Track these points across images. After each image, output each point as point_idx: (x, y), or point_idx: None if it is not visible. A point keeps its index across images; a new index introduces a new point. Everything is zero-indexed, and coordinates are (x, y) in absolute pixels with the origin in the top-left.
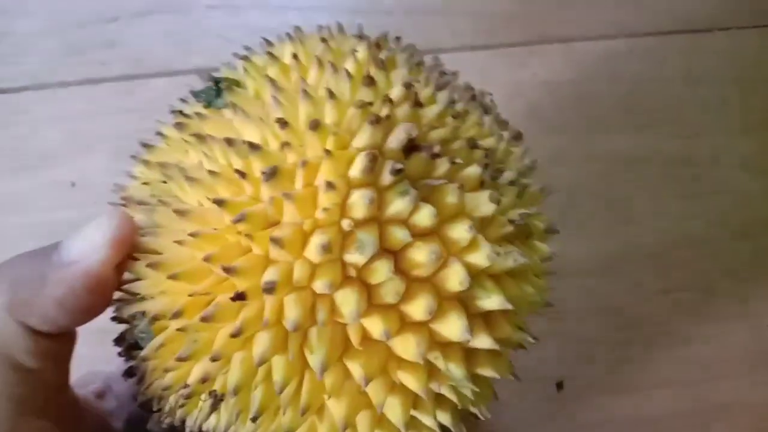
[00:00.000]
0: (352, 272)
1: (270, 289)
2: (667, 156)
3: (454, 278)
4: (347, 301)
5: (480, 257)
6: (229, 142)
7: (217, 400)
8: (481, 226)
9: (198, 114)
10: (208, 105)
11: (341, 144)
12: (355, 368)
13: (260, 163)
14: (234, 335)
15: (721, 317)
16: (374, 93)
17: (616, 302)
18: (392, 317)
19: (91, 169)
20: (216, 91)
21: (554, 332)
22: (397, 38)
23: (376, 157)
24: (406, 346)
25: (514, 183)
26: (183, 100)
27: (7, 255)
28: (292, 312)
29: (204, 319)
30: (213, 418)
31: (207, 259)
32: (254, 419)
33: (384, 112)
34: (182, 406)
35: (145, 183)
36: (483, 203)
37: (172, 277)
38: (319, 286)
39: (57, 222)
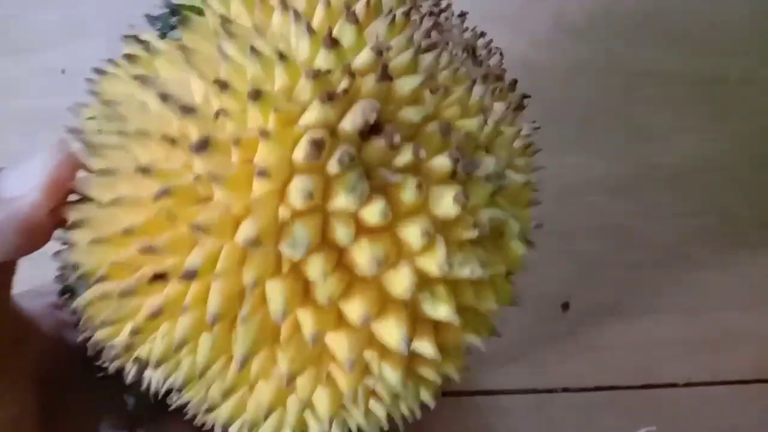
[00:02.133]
0: (286, 266)
1: (190, 275)
2: (693, 75)
3: (400, 284)
4: (274, 296)
5: (433, 264)
6: (164, 97)
7: (141, 367)
8: (443, 227)
9: (149, 46)
10: (163, 36)
11: (286, 120)
12: (283, 361)
13: (195, 129)
14: (153, 315)
15: (738, 244)
16: (336, 57)
17: (629, 223)
18: (326, 316)
19: (82, 55)
20: (171, 21)
21: (562, 251)
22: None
23: (322, 142)
24: (339, 347)
25: (491, 178)
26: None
27: None
28: (212, 303)
29: (122, 294)
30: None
31: (126, 231)
32: (179, 390)
33: (343, 84)
34: (114, 359)
35: (91, 118)
36: (446, 203)
37: (95, 241)
38: (246, 277)
39: (45, 109)
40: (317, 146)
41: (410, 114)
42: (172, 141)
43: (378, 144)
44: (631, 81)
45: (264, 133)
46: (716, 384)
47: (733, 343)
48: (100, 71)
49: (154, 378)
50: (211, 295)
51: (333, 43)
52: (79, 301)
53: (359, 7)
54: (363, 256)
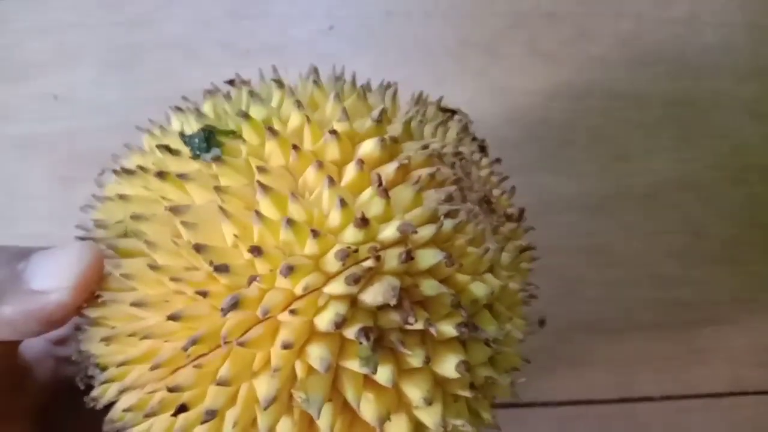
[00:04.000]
0: (296, 412)
1: (211, 414)
2: (666, 96)
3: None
4: None
5: (429, 420)
6: (198, 248)
7: None
8: (442, 384)
9: (180, 167)
10: (197, 157)
11: (313, 292)
12: None
13: (225, 285)
14: None
15: (711, 261)
16: (365, 235)
17: (605, 241)
18: None
19: (74, 82)
20: (206, 142)
21: (539, 268)
22: (420, 121)
23: (344, 319)
24: None
25: (490, 343)
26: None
27: None
28: None
29: (146, 414)
30: None
31: (154, 367)
32: None
33: (368, 263)
34: None
35: (118, 222)
36: (448, 368)
37: (121, 363)
38: (262, 424)
39: (37, 134)
40: (339, 323)
41: (427, 289)
42: (204, 294)
43: (394, 317)
44: (606, 103)
45: (292, 310)
46: (691, 397)
47: (707, 358)
48: (127, 171)
49: None
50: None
51: (364, 223)
52: (97, 399)
53: (387, 174)
54: (368, 409)
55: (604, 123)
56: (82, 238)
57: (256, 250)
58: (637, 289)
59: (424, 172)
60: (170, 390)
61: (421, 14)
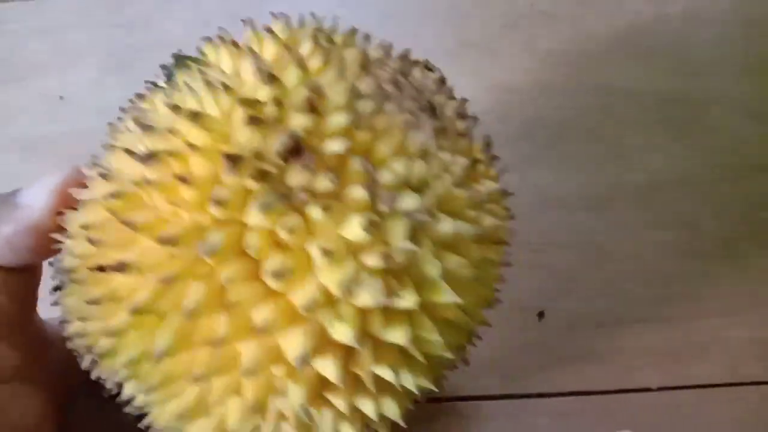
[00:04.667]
0: (204, 267)
1: (122, 267)
2: (662, 94)
3: (303, 298)
4: (192, 294)
5: (334, 283)
6: (137, 120)
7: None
8: (352, 251)
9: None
10: (167, 81)
11: (218, 139)
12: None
13: (149, 143)
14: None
15: (706, 256)
16: (271, 92)
17: (601, 237)
18: (237, 320)
19: (75, 83)
20: (173, 67)
21: (537, 264)
22: (367, 36)
23: (239, 158)
24: (246, 353)
25: (410, 215)
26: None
27: None
28: (140, 297)
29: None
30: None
31: (83, 226)
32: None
33: (271, 112)
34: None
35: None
36: (354, 229)
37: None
38: (168, 272)
39: (44, 135)
40: (233, 161)
41: (334, 146)
42: (128, 151)
43: (297, 167)
44: (602, 101)
45: (196, 149)
46: (689, 388)
47: (705, 351)
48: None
49: (108, 375)
50: (141, 289)
51: (271, 78)
52: (62, 299)
53: (317, 60)
54: (270, 265)
55: (601, 120)
56: None
57: (174, 107)
58: (633, 285)
59: (354, 60)
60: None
61: (419, 14)
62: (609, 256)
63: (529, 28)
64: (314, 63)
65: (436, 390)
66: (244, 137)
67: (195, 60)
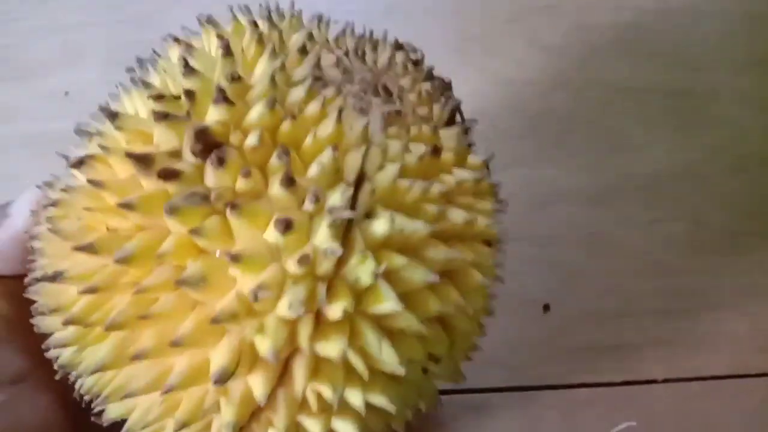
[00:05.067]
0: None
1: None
2: (665, 87)
3: (219, 307)
4: (117, 304)
5: (248, 284)
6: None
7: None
8: (275, 252)
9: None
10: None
11: (137, 140)
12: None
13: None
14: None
15: (710, 249)
16: (190, 83)
17: (606, 231)
18: (163, 332)
19: (80, 80)
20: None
21: (542, 258)
22: (320, 18)
23: (146, 156)
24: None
25: (333, 212)
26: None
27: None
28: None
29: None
30: None
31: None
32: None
33: (185, 106)
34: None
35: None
36: (270, 232)
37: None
38: (88, 284)
39: (49, 132)
40: (142, 161)
41: (252, 139)
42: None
43: (212, 165)
44: (605, 95)
45: (108, 149)
46: (694, 380)
47: (709, 343)
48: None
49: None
50: (75, 301)
51: (190, 71)
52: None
53: (253, 48)
54: (188, 272)
55: (604, 114)
56: None
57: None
58: (638, 278)
59: (293, 44)
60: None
61: (421, 10)
62: (614, 249)
63: (533, 22)
64: (249, 51)
65: (413, 408)
66: (156, 135)
67: (149, 61)
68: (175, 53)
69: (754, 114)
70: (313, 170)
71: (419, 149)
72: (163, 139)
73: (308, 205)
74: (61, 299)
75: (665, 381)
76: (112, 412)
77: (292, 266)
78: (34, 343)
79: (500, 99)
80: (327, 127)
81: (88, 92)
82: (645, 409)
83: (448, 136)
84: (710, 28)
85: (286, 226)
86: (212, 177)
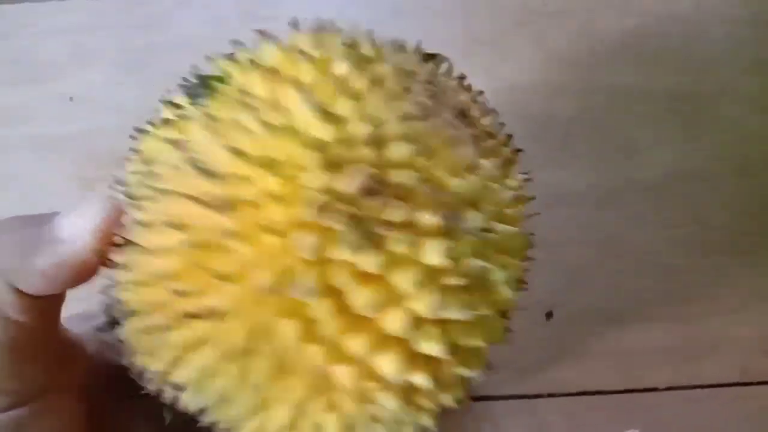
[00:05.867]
0: (294, 306)
1: (217, 314)
2: (671, 91)
3: (395, 324)
4: (285, 332)
5: (423, 307)
6: (192, 161)
7: (177, 390)
8: (432, 275)
9: (182, 111)
10: (193, 102)
11: (293, 185)
12: (294, 389)
13: (219, 191)
14: (186, 348)
15: (717, 252)
16: (335, 130)
17: (613, 234)
18: (331, 350)
19: (91, 83)
20: (199, 90)
21: (548, 261)
22: (401, 45)
23: (325, 204)
24: (342, 376)
25: (474, 232)
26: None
27: (3, 164)
28: (234, 338)
29: (159, 329)
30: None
31: (160, 276)
32: (208, 410)
33: (340, 152)
34: (152, 382)
35: (135, 172)
36: (435, 256)
37: (135, 282)
38: (261, 316)
39: (60, 134)
40: (313, 206)
41: (402, 178)
42: (198, 200)
43: (374, 204)
44: (611, 98)
45: (274, 197)
46: (697, 387)
47: (714, 348)
48: (141, 130)
49: (188, 400)
50: (234, 333)
51: (328, 115)
52: (123, 332)
53: (361, 84)
54: (360, 299)
55: (610, 117)
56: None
57: (238, 153)
58: (644, 280)
59: (396, 82)
60: (175, 294)
61: (429, 13)
62: (620, 253)
63: (540, 26)
64: (356, 85)
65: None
66: (319, 180)
67: (219, 79)
68: (260, 81)
69: (760, 117)
70: (448, 198)
71: (497, 163)
72: (324, 184)
73: (451, 228)
74: (209, 332)
75: (670, 389)
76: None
77: (452, 281)
78: (54, 353)
79: (507, 103)
80: (447, 157)
81: (100, 95)
82: (649, 416)
83: (504, 143)
84: (715, 32)
85: (446, 249)
86: (376, 213)
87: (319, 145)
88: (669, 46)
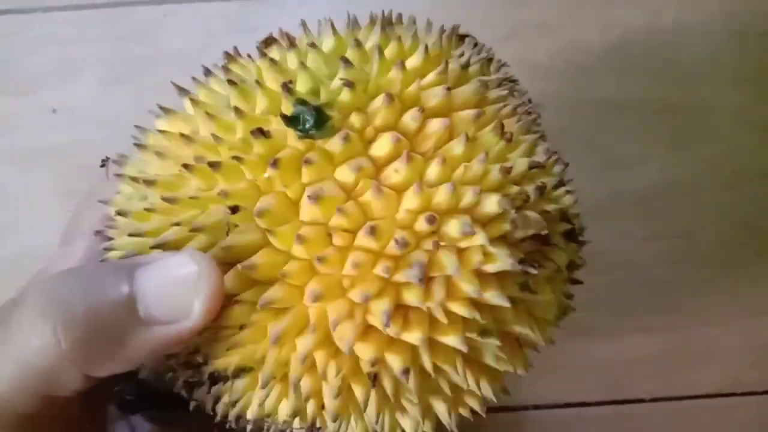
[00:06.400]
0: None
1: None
2: (657, 104)
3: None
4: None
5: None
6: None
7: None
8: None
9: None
10: (308, 136)
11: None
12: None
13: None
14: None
15: (704, 264)
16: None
17: (600, 247)
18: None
19: (76, 95)
20: (318, 122)
21: None
22: (502, 64)
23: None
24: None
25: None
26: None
27: None
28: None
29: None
30: None
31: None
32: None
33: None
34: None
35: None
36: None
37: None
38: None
39: (45, 146)
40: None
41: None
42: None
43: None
44: (597, 111)
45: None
46: (684, 398)
47: (702, 360)
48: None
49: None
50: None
51: (507, 172)
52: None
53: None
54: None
55: (596, 131)
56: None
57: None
58: (631, 294)
59: (501, 108)
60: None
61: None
62: (607, 265)
63: (526, 40)
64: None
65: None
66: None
67: (329, 106)
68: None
69: (744, 129)
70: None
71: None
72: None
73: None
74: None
75: (656, 400)
76: None
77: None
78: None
79: None
80: (551, 174)
81: (85, 107)
82: (636, 428)
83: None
84: (699, 45)
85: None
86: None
87: (489, 220)
88: (653, 59)
